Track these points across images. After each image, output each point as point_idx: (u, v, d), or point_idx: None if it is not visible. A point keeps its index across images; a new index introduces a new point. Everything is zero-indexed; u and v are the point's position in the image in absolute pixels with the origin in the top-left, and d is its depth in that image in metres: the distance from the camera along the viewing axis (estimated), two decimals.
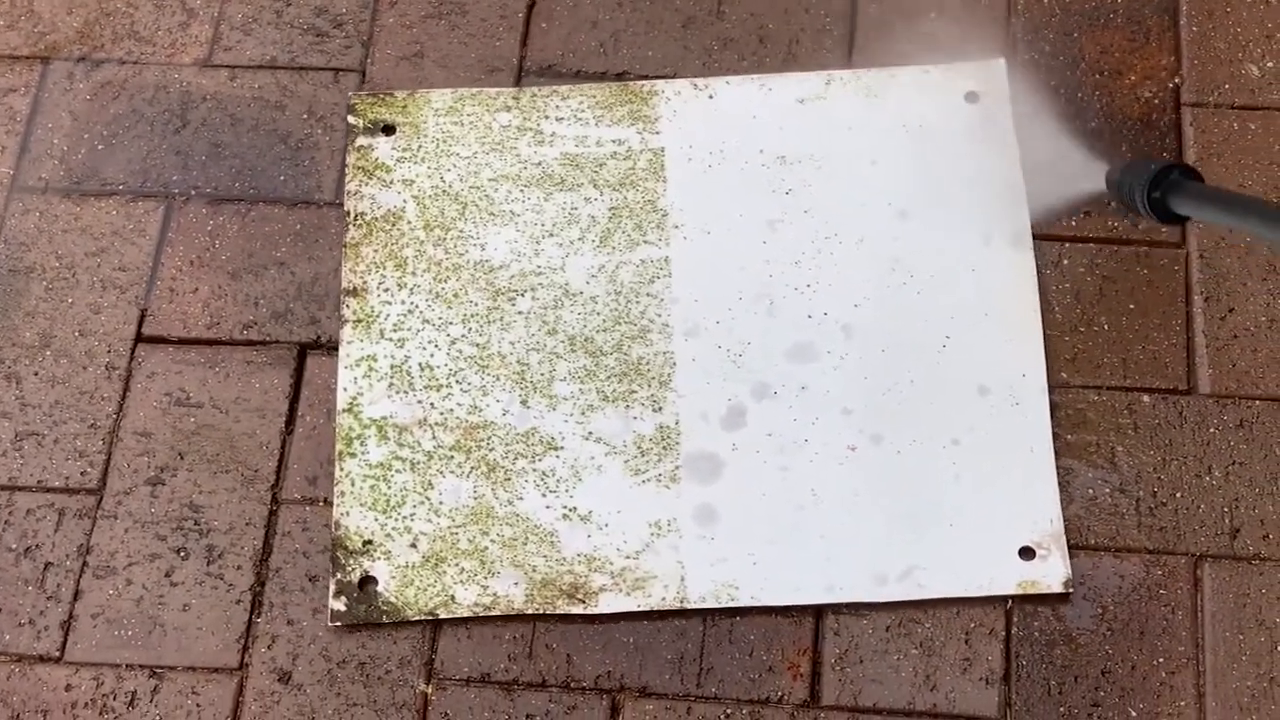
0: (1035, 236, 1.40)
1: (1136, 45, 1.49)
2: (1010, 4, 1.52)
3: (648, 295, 1.39)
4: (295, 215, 1.46)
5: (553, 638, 1.28)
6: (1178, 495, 1.31)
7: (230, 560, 1.32)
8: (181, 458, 1.36)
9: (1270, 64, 1.47)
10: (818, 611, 1.29)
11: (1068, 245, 1.40)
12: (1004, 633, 1.27)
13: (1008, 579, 1.27)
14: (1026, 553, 1.28)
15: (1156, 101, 1.46)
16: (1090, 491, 1.31)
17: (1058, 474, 1.32)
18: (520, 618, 1.29)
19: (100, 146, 1.50)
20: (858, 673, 1.26)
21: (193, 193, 1.48)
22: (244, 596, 1.31)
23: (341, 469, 1.33)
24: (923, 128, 1.45)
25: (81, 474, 1.36)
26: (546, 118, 1.47)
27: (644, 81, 1.49)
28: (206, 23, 1.56)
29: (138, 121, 1.51)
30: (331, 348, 1.39)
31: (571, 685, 1.27)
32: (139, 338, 1.41)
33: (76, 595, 1.31)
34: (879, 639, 1.27)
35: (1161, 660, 1.26)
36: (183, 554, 1.32)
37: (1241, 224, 0.91)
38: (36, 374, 1.40)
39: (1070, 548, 1.29)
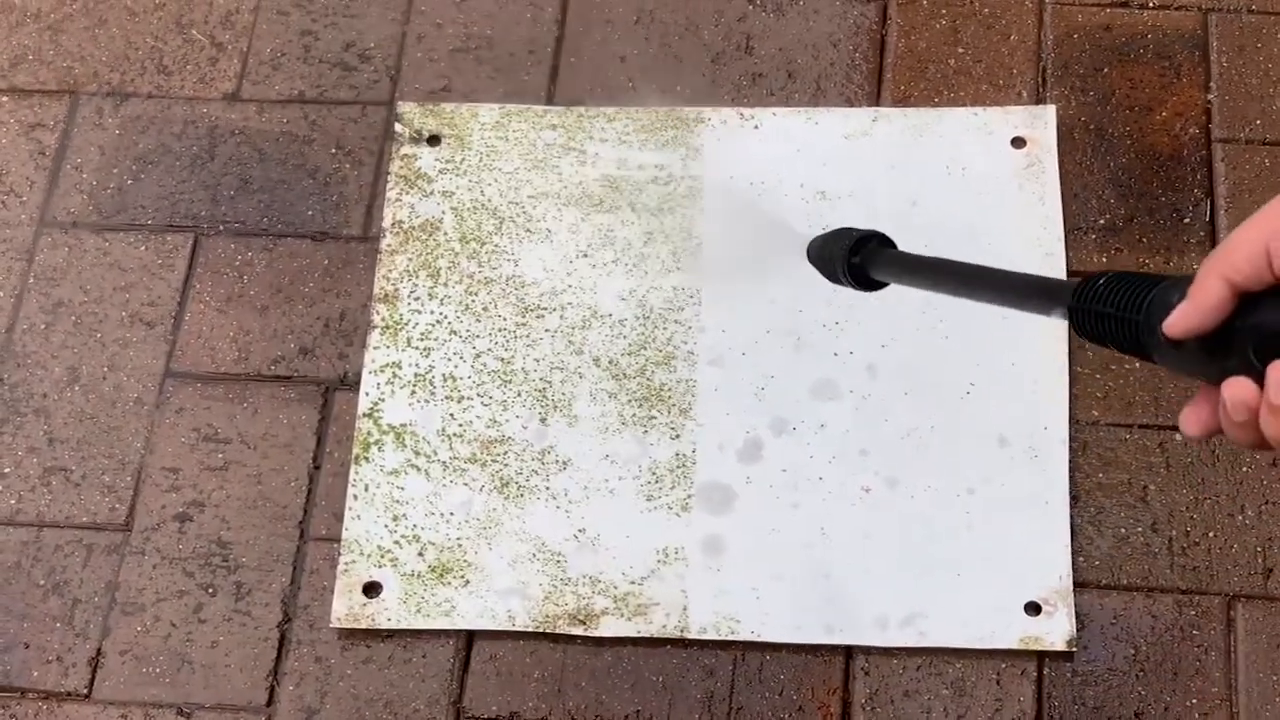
0: (1071, 272, 1.38)
1: (1167, 81, 1.47)
2: (1040, 39, 1.51)
3: (676, 322, 1.38)
4: (323, 250, 1.46)
5: (581, 675, 1.27)
6: (1210, 534, 1.29)
7: (258, 597, 1.31)
8: (209, 494, 1.35)
9: None
10: (848, 651, 1.27)
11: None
12: (1035, 674, 1.25)
13: (1010, 633, 1.25)
14: (1032, 608, 1.26)
15: (1187, 137, 1.44)
16: (1122, 530, 1.29)
17: (1089, 512, 1.30)
18: (550, 653, 1.29)
19: (129, 181, 1.49)
20: (888, 713, 1.25)
21: (221, 227, 1.47)
22: (272, 634, 1.30)
23: (356, 473, 1.34)
24: (966, 171, 1.43)
25: (110, 510, 1.35)
26: (591, 138, 1.47)
27: (691, 108, 1.49)
28: (235, 57, 1.56)
29: (166, 156, 1.51)
30: (359, 383, 1.39)
31: None
32: (167, 373, 1.41)
33: (105, 632, 1.30)
34: (910, 679, 1.26)
35: (1195, 701, 1.24)
36: (211, 591, 1.32)
37: (935, 287, 0.93)
38: (65, 409, 1.39)
39: (1101, 587, 1.28)
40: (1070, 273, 1.38)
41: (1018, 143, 1.45)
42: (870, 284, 1.02)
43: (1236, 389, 0.63)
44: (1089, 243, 1.40)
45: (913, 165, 1.45)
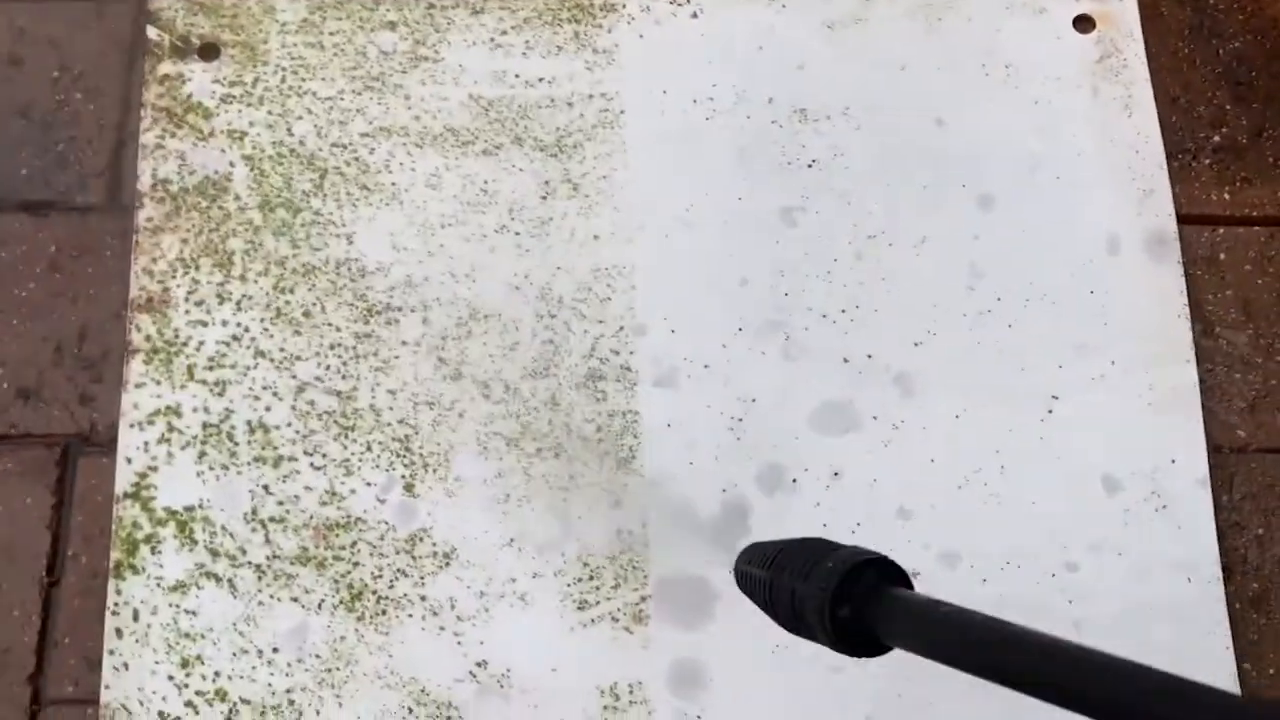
0: (1181, 219, 0.93)
1: None
2: None
3: (600, 320, 0.91)
4: (47, 230, 0.95)
5: None
6: None
7: None
8: None
9: None
10: None
11: (1223, 231, 0.95)
12: None
13: None
14: None
15: None
16: None
17: (1253, 589, 0.89)
18: None
19: None
20: None
21: None
22: None
23: (119, 591, 0.85)
24: (1012, 70, 0.99)
25: None
26: (448, 41, 0.98)
27: None
28: None
29: None
30: (114, 442, 0.89)
31: None
32: None
33: None
34: None
35: None
36: None
37: (996, 674, 0.49)
38: None
39: None
40: (1181, 219, 0.93)
41: (1084, 24, 1.00)
42: (867, 646, 0.57)
43: None
44: (1203, 172, 0.97)
45: (933, 65, 0.99)
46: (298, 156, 0.95)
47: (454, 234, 0.93)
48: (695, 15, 1.00)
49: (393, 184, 0.95)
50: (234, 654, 0.85)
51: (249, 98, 0.97)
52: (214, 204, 0.94)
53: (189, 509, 0.88)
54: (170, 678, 0.85)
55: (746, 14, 1.00)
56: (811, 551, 0.60)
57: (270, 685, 0.85)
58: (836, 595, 0.56)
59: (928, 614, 0.53)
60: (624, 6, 1.00)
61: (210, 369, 0.90)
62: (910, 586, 0.58)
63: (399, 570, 0.87)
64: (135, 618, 0.86)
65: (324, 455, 0.89)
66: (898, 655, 0.53)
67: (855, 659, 0.58)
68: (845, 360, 0.91)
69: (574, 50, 0.99)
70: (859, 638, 0.57)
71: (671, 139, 0.97)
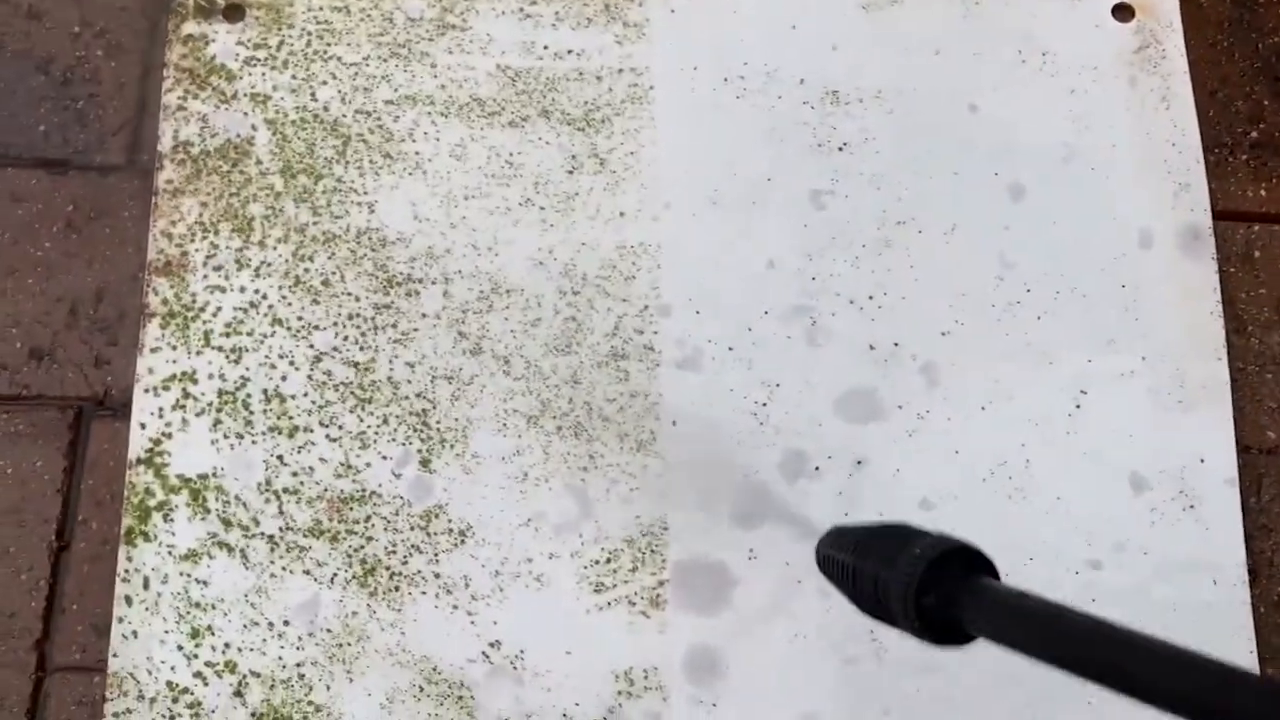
0: (1216, 215, 0.91)
1: None
2: None
3: (624, 299, 0.90)
4: (65, 189, 0.93)
5: None
6: None
7: None
8: None
9: None
10: None
11: (1259, 228, 0.94)
12: None
13: None
14: None
15: None
16: None
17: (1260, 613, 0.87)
18: None
19: None
20: None
21: None
22: None
23: (130, 559, 0.84)
24: (1048, 58, 0.97)
25: None
26: (476, 11, 0.96)
27: None
28: None
29: None
30: (128, 406, 0.87)
31: None
32: None
33: None
34: None
35: None
36: None
37: (1083, 667, 0.49)
38: None
39: None
40: (1216, 215, 0.92)
41: (1123, 13, 0.98)
42: (952, 635, 0.57)
43: None
44: (1239, 167, 0.95)
45: (968, 50, 0.97)
46: (321, 122, 0.94)
47: (477, 206, 0.92)
48: None
49: (416, 153, 0.93)
50: (244, 626, 0.84)
51: (273, 61, 0.95)
52: (235, 168, 0.92)
53: (202, 477, 0.86)
54: (179, 648, 0.83)
55: None
56: (897, 538, 0.60)
57: (280, 658, 0.84)
58: (922, 583, 0.56)
59: (1015, 606, 0.53)
60: None
61: (227, 335, 0.89)
62: (997, 576, 0.57)
63: (413, 546, 0.86)
64: (145, 586, 0.84)
65: (340, 427, 0.88)
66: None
67: (940, 647, 0.57)
68: (871, 347, 0.90)
69: (604, 23, 0.97)
70: (943, 626, 0.56)
71: (701, 116, 0.95)
